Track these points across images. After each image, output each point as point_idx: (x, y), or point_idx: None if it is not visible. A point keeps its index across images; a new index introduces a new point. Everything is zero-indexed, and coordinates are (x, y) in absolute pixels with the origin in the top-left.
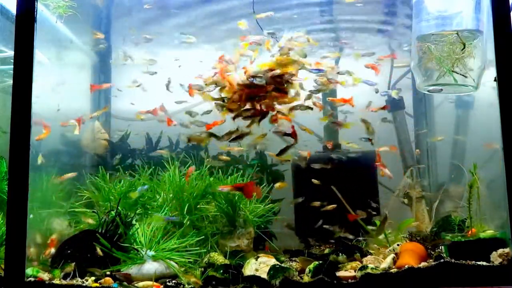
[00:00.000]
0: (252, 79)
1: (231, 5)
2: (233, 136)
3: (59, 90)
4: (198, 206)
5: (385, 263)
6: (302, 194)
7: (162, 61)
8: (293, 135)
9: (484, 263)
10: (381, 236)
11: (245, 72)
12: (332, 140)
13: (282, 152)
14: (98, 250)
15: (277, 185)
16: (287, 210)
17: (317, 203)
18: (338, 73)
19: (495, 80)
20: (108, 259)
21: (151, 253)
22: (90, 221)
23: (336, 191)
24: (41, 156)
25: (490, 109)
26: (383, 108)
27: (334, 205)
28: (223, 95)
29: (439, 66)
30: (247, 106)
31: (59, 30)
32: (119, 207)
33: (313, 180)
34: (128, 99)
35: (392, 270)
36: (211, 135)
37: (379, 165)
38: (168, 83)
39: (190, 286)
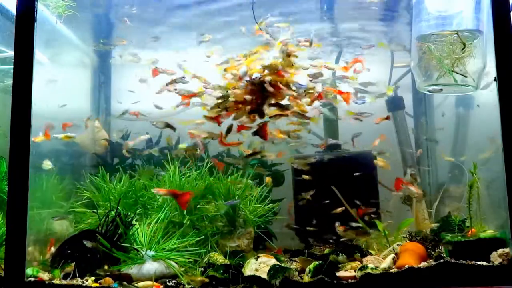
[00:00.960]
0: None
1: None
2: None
3: (59, 89)
4: (198, 206)
5: (385, 263)
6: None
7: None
8: (263, 133)
9: (484, 263)
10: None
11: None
12: (333, 140)
13: (249, 156)
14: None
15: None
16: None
17: (308, 196)
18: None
19: (495, 80)
20: (108, 259)
21: (151, 253)
22: None
23: (336, 191)
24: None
25: (491, 109)
26: (387, 118)
27: (342, 208)
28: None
29: (439, 66)
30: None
31: (59, 29)
32: (119, 207)
33: (304, 176)
34: (128, 99)
35: (392, 270)
36: (168, 126)
37: (403, 182)
38: (182, 78)
39: (190, 286)
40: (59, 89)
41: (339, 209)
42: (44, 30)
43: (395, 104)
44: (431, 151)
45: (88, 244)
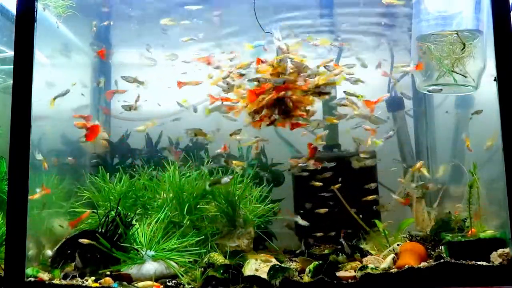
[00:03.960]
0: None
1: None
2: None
3: (59, 89)
4: (198, 206)
5: (385, 263)
6: (302, 194)
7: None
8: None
9: (484, 263)
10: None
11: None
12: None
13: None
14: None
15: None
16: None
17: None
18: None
19: (495, 80)
20: (108, 259)
21: (151, 253)
22: None
23: (336, 191)
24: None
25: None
26: None
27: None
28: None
29: (439, 66)
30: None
31: (59, 29)
32: (119, 207)
33: (314, 183)
34: (128, 99)
35: (392, 270)
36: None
37: None
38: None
39: (190, 286)
40: (59, 89)
41: (371, 197)
42: (44, 29)
43: (395, 104)
44: (431, 151)
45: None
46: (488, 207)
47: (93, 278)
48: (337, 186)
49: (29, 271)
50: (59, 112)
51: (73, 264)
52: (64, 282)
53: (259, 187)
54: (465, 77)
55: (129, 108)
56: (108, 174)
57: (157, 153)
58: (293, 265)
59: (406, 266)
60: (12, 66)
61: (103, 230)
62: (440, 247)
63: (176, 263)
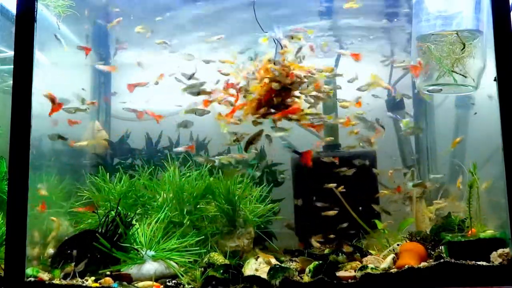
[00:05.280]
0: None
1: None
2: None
3: (58, 89)
4: (198, 206)
5: (385, 263)
6: (302, 193)
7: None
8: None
9: (484, 263)
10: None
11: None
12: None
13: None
14: None
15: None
16: (288, 210)
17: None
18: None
19: (495, 80)
20: (108, 259)
21: (151, 253)
22: None
23: (336, 191)
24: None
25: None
26: None
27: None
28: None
29: (439, 66)
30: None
31: (58, 29)
32: (119, 207)
33: (328, 185)
34: (128, 99)
35: (392, 270)
36: (60, 137)
37: None
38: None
39: (190, 286)
40: (59, 89)
41: (382, 193)
42: (44, 29)
43: (395, 104)
44: (431, 151)
45: None
46: (488, 207)
47: (93, 278)
48: (340, 188)
49: (29, 271)
50: (59, 112)
51: (73, 264)
52: (64, 282)
53: (259, 187)
54: (465, 77)
55: (74, 110)
56: (108, 174)
57: (157, 153)
58: (293, 265)
59: (406, 266)
60: (12, 66)
61: (103, 230)
62: (440, 247)
63: (176, 263)
